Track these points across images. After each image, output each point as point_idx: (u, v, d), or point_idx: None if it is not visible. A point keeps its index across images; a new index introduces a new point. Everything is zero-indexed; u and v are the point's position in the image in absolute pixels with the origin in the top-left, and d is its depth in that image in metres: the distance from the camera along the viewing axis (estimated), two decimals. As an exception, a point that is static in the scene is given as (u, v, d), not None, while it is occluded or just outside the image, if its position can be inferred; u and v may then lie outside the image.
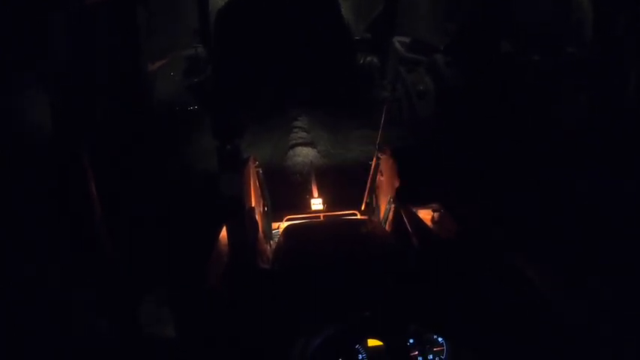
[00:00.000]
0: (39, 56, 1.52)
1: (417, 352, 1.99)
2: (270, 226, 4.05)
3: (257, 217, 3.32)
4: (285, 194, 4.71)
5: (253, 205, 3.32)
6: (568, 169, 2.31)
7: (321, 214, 4.28)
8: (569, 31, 3.06)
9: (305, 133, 6.04)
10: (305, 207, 4.49)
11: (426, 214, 2.98)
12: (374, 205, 4.39)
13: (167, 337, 2.01)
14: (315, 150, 5.95)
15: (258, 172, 3.96)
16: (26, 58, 1.50)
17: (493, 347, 1.94)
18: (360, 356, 1.95)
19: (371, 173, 4.39)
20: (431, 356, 2.01)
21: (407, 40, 5.01)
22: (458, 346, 2.00)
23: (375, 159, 4.28)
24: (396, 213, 3.38)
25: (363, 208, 4.55)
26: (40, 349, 1.51)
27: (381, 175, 4.14)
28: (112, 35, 2.24)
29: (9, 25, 1.45)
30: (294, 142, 5.97)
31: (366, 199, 4.51)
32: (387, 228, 3.48)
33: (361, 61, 5.67)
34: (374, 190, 4.40)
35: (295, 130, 6.09)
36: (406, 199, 3.29)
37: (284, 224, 4.00)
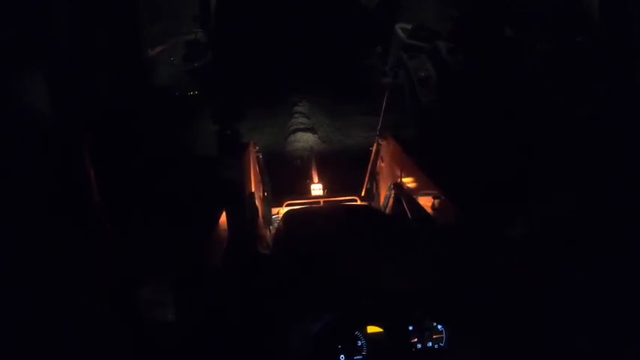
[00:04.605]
0: (40, 44, 1.52)
1: (416, 339, 1.99)
2: (270, 211, 4.06)
3: (257, 202, 3.32)
4: (286, 179, 4.72)
5: (253, 190, 3.32)
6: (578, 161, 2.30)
7: (321, 200, 4.29)
8: (577, 20, 3.03)
9: (306, 119, 6.02)
10: (305, 192, 4.49)
11: (426, 202, 2.97)
12: (374, 191, 4.39)
13: (168, 322, 2.01)
14: (316, 136, 5.93)
15: (258, 157, 3.95)
16: (26, 45, 1.49)
17: (492, 335, 1.95)
18: (360, 342, 1.94)
19: (371, 159, 4.39)
20: (430, 343, 2.00)
21: (409, 26, 4.99)
22: (457, 333, 2.00)
23: (375, 145, 4.28)
24: (396, 199, 3.38)
25: (363, 193, 4.55)
26: (42, 335, 1.52)
27: (382, 161, 4.14)
28: (113, 20, 2.23)
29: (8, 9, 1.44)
30: (294, 127, 5.95)
31: (367, 185, 4.51)
32: (387, 214, 3.48)
33: (363, 47, 5.64)
34: (374, 176, 4.40)
35: (296, 115, 6.06)
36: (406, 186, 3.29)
37: (284, 209, 4.00)
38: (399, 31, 4.97)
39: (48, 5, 1.50)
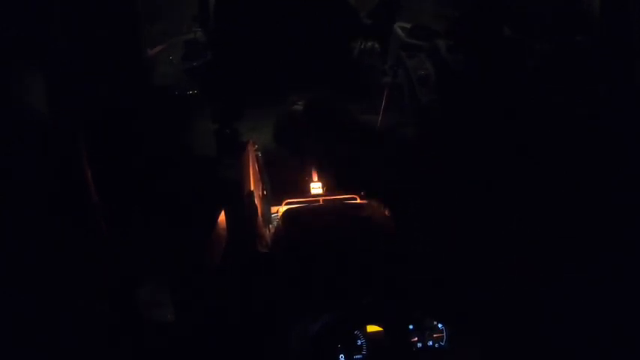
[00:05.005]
0: (40, 44, 1.51)
1: (416, 338, 1.99)
2: (270, 210, 4.05)
3: (256, 201, 3.31)
4: (284, 178, 4.70)
5: (252, 189, 3.31)
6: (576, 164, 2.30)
7: (321, 198, 4.27)
8: (577, 20, 3.03)
9: (305, 118, 5.99)
10: (304, 191, 4.47)
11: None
12: (373, 190, 4.38)
13: (168, 322, 2.01)
14: (315, 134, 5.90)
15: (257, 155, 3.95)
16: (26, 45, 1.49)
17: (492, 335, 1.95)
18: (359, 342, 1.95)
19: (371, 158, 4.38)
20: (430, 342, 2.01)
21: (408, 25, 4.97)
22: (457, 332, 2.00)
23: (375, 144, 4.27)
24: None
25: (362, 192, 4.54)
26: (42, 335, 1.52)
27: (381, 160, 4.14)
28: (113, 20, 2.22)
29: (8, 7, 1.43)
30: (293, 126, 5.92)
31: (366, 184, 4.51)
32: (387, 212, 3.48)
33: (362, 47, 5.63)
34: (374, 175, 4.39)
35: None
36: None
37: (283, 208, 4.00)
38: (398, 30, 4.95)
39: (48, 5, 1.50)
